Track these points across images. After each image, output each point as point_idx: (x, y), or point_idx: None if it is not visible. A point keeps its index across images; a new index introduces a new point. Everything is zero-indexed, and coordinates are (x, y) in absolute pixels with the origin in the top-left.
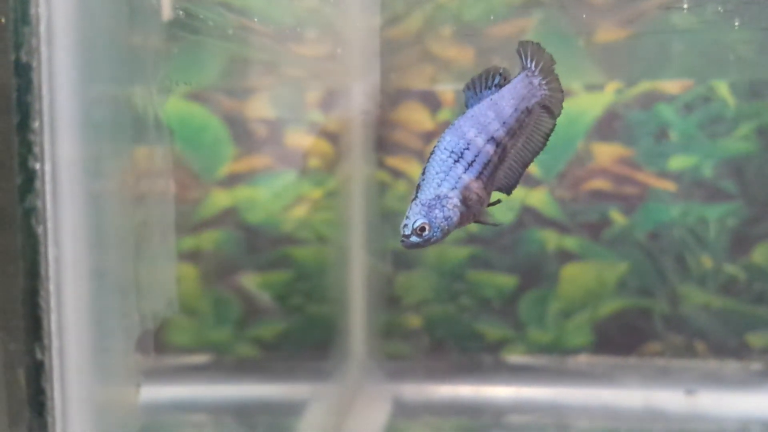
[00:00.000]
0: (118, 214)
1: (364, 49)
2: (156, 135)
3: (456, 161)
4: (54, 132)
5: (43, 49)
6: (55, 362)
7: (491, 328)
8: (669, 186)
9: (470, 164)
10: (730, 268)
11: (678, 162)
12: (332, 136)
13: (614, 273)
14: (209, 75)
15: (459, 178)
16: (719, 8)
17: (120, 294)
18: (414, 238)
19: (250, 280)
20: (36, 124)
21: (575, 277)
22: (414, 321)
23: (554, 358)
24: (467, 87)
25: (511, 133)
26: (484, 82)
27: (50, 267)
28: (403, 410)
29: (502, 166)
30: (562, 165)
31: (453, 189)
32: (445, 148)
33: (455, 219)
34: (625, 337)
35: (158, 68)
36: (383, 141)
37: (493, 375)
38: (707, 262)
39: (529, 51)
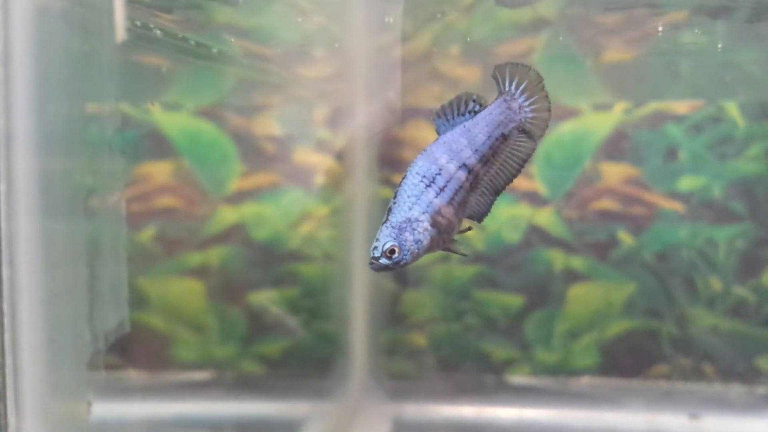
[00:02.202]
0: (72, 233)
1: (371, 67)
2: (109, 152)
3: (428, 186)
4: (9, 151)
5: (0, 69)
6: (9, 380)
7: (497, 348)
8: (677, 207)
9: (442, 189)
10: (740, 291)
11: (687, 183)
12: (339, 154)
13: (622, 294)
14: (217, 94)
15: (430, 202)
16: (727, 28)
17: (72, 314)
18: (383, 261)
19: (256, 297)
20: None
21: (582, 297)
22: (419, 339)
23: (558, 379)
24: (437, 114)
25: (484, 160)
26: (456, 109)
27: (4, 286)
28: (402, 430)
29: (474, 193)
30: (569, 184)
31: (424, 213)
32: (417, 173)
33: (425, 242)
34: (632, 359)
35: (113, 87)
36: (390, 159)
37: (496, 396)
38: (716, 284)
39: (508, 74)
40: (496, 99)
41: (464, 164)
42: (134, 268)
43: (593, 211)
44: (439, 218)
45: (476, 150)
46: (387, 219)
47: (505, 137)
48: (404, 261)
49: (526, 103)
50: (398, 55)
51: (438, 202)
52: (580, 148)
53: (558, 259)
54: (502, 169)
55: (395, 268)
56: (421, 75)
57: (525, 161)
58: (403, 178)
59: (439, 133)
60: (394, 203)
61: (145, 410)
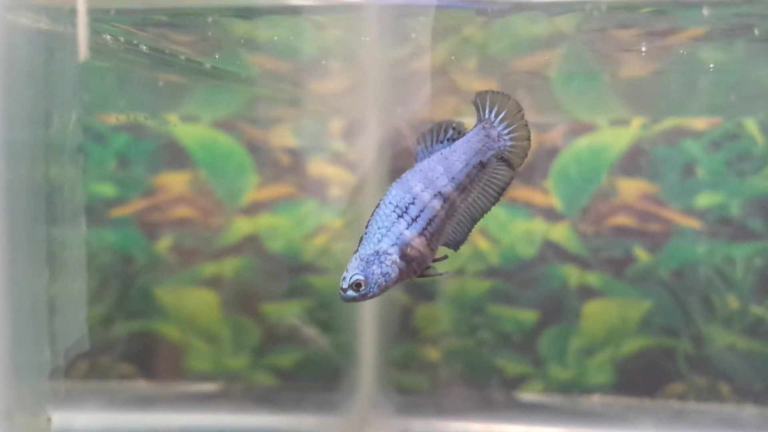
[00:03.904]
0: (33, 246)
1: (387, 81)
2: (71, 159)
3: (400, 216)
4: None
5: None
6: None
7: (510, 364)
8: (694, 224)
9: (414, 219)
10: (757, 309)
11: (704, 199)
12: (354, 166)
13: (637, 311)
14: (233, 107)
15: (401, 234)
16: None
17: (33, 329)
18: (350, 293)
19: (271, 308)
20: None
21: (597, 313)
22: (432, 354)
23: (569, 397)
24: (417, 141)
25: (461, 188)
26: (436, 137)
27: None
28: None
29: (451, 221)
30: (585, 200)
31: (393, 245)
32: (390, 202)
33: (393, 275)
34: (647, 377)
35: (75, 101)
36: (403, 172)
37: (505, 412)
38: (733, 302)
39: (489, 101)
40: (475, 126)
41: (439, 192)
42: (150, 278)
43: (609, 227)
44: (410, 250)
45: (453, 178)
46: (357, 249)
47: (483, 165)
48: (371, 293)
49: (506, 131)
50: (415, 69)
51: (409, 233)
52: (596, 163)
53: (573, 274)
54: (480, 197)
55: (363, 300)
56: (437, 88)
57: (503, 189)
58: (377, 206)
59: (417, 161)
60: (365, 234)
61: (156, 421)
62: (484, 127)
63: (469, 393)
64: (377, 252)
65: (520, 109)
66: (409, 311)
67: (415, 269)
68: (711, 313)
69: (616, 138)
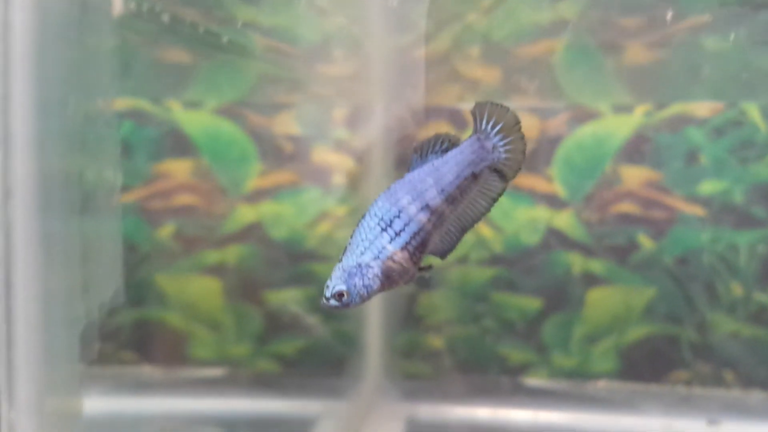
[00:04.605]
0: (65, 201)
1: (390, 68)
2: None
3: (383, 229)
4: (7, 113)
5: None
6: (1, 329)
7: (514, 351)
8: (698, 211)
9: (398, 234)
10: (761, 297)
11: (708, 187)
12: (357, 154)
13: (641, 298)
14: (237, 91)
15: (383, 248)
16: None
17: (66, 283)
18: (333, 302)
19: (273, 296)
20: None
21: (601, 301)
22: (436, 342)
23: (574, 383)
24: (415, 150)
25: (450, 200)
26: (431, 147)
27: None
28: (416, 430)
29: (438, 231)
30: (589, 187)
31: (375, 258)
32: (375, 214)
33: (375, 287)
34: (651, 365)
35: (113, 83)
36: (407, 159)
37: (511, 398)
38: (737, 289)
39: (486, 112)
40: (470, 137)
41: (427, 205)
42: (152, 266)
43: (613, 214)
44: (391, 264)
45: (442, 190)
46: (341, 259)
47: (475, 176)
48: (353, 304)
49: (501, 143)
50: (418, 56)
51: (391, 248)
52: (600, 150)
53: (577, 262)
54: (470, 207)
55: (345, 309)
56: (441, 76)
57: (494, 201)
58: (363, 216)
59: (409, 170)
60: (350, 244)
61: (160, 406)
62: (479, 138)
63: (474, 379)
64: (359, 264)
65: (517, 122)
66: (413, 299)
67: (397, 281)
68: (715, 301)
69: (619, 125)
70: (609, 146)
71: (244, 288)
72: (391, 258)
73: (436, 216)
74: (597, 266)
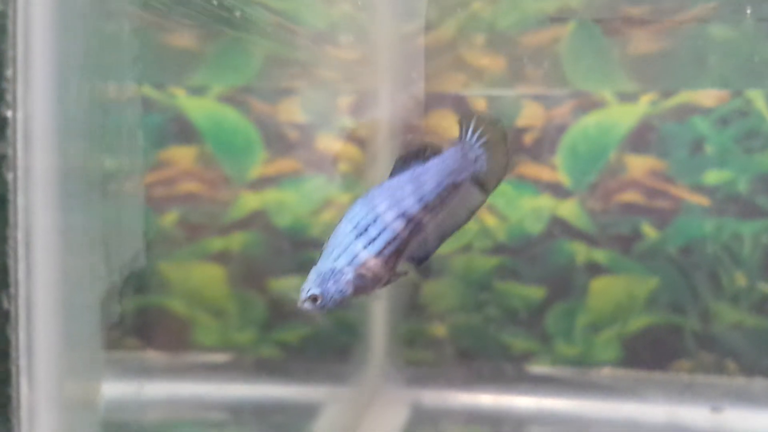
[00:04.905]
0: (87, 160)
1: (395, 55)
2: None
3: (358, 236)
4: (27, 81)
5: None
6: (21, 312)
7: (517, 340)
8: (702, 201)
9: (372, 241)
10: (765, 287)
11: (712, 176)
12: (361, 142)
13: (645, 288)
14: (242, 77)
15: (356, 254)
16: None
17: (88, 243)
18: (307, 304)
19: (277, 283)
20: (9, 72)
21: (605, 290)
22: (439, 330)
23: (578, 370)
24: (399, 159)
25: (429, 208)
26: (415, 155)
27: (19, 215)
28: (421, 416)
29: (416, 239)
30: (593, 176)
31: (349, 264)
32: (351, 220)
33: (349, 292)
34: (654, 354)
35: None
36: (410, 147)
37: (515, 385)
38: (741, 279)
39: (473, 123)
40: (453, 147)
41: (404, 213)
42: (156, 253)
43: (617, 203)
44: (364, 271)
45: (421, 198)
46: (317, 261)
47: (455, 186)
48: (328, 307)
49: (484, 155)
50: (423, 44)
51: (365, 255)
52: (604, 139)
53: (580, 251)
54: (450, 216)
55: (320, 312)
56: (445, 64)
57: (473, 212)
58: (340, 221)
59: (390, 175)
60: (326, 247)
61: (164, 390)
62: (462, 148)
63: (478, 366)
64: (333, 270)
65: (504, 136)
66: (416, 288)
67: (370, 287)
68: (718, 290)
69: (624, 114)
70: (614, 135)
71: (248, 275)
72: (364, 265)
73: (413, 224)
74: (601, 255)
